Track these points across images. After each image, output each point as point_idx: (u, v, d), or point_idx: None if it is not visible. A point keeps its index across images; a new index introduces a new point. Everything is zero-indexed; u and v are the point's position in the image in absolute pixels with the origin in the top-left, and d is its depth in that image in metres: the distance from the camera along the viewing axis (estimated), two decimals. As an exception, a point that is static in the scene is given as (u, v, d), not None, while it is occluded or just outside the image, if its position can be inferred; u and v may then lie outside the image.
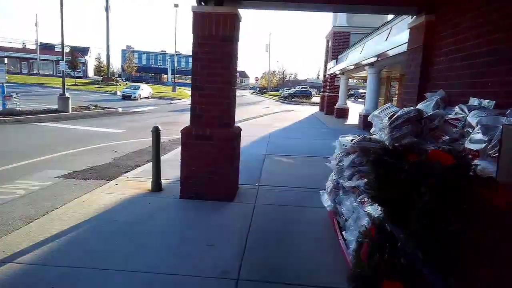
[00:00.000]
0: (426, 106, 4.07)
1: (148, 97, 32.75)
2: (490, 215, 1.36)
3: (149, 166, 7.08)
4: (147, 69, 77.81)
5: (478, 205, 1.39)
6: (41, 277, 2.94)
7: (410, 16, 5.34)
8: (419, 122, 3.58)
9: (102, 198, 4.98)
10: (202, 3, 4.89)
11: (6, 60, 48.65)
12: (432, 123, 3.57)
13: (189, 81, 75.82)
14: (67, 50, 60.87)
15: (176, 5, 42.62)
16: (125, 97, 29.51)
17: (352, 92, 55.78)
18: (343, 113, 20.75)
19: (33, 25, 63.58)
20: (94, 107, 19.66)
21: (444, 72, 4.14)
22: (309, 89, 52.48)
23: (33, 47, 63.24)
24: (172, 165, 7.03)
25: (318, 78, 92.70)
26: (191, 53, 5.10)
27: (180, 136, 5.11)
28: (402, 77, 19.34)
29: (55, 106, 17.30)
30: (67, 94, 17.33)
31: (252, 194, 5.49)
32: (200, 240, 3.78)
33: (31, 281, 2.90)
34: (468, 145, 2.73)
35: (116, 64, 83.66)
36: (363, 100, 47.78)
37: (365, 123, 14.33)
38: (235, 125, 5.47)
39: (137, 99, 29.73)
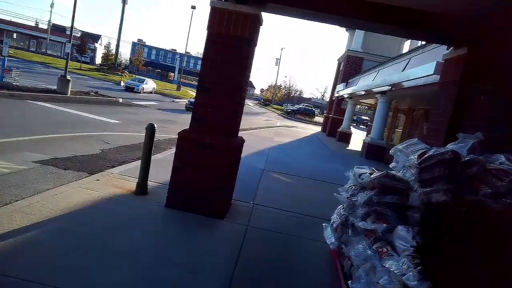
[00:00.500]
0: (459, 148, 3.56)
1: (151, 92, 32.27)
2: None
3: (138, 163, 6.51)
4: (155, 64, 77.56)
5: None
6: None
7: (446, 47, 4.89)
8: (455, 166, 3.08)
9: (78, 194, 4.40)
10: (224, -2, 4.42)
11: (15, 35, 48.27)
12: (469, 169, 3.06)
13: (195, 82, 75.75)
14: (77, 34, 60.64)
15: (193, 7, 42.50)
16: (128, 89, 29.00)
17: (355, 118, 55.61)
18: (345, 137, 20.31)
19: (49, 6, 63.32)
20: (94, 94, 19.11)
21: (484, 112, 3.66)
22: (313, 108, 52.24)
23: (45, 27, 62.88)
24: (163, 167, 6.48)
25: (322, 99, 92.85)
26: (200, 55, 4.66)
27: (176, 137, 4.58)
28: (411, 111, 19.02)
29: (54, 87, 16.75)
30: (68, 77, 16.78)
31: (245, 213, 4.93)
32: (181, 264, 3.21)
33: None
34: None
35: (125, 56, 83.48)
36: (364, 127, 47.56)
37: (369, 152, 13.89)
38: (238, 135, 4.95)
39: (140, 92, 29.23)
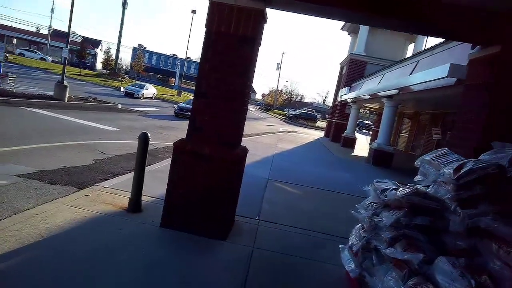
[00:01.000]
0: (497, 160, 3.07)
1: (151, 98, 31.89)
2: None
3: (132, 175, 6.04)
4: (155, 70, 77.36)
5: None
6: None
7: (471, 46, 4.42)
8: (500, 182, 2.59)
9: (62, 214, 3.92)
10: (224, -9, 3.97)
11: (15, 41, 48.07)
12: (516, 186, 2.58)
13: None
14: (78, 40, 60.51)
15: (194, 11, 42.28)
16: (128, 94, 28.60)
17: (358, 122, 55.12)
18: (350, 143, 19.81)
19: (49, 11, 63.32)
20: (92, 100, 18.69)
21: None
22: (315, 113, 51.79)
23: (46, 33, 62.83)
24: (160, 179, 6.01)
25: (324, 103, 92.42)
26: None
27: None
28: (417, 115, 18.56)
29: (52, 93, 16.33)
30: (65, 83, 16.37)
31: (250, 232, 4.44)
32: (175, 301, 2.72)
33: None
34: None
35: (125, 61, 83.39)
36: (367, 131, 46.96)
37: (376, 158, 13.38)
38: (241, 145, 4.47)
39: (140, 98, 28.84)
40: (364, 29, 22.19)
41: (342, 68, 26.43)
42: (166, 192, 4.08)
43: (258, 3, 3.92)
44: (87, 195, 4.68)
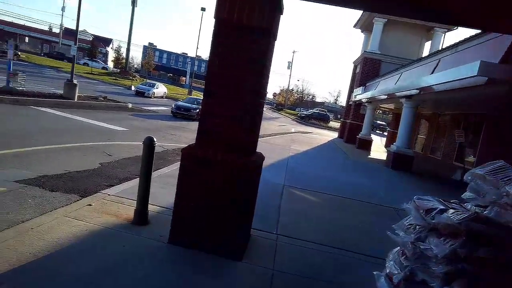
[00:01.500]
0: None
1: (162, 97, 31.67)
2: None
3: (140, 181, 5.66)
4: (166, 68, 77.45)
5: None
6: None
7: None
8: None
9: (60, 227, 3.53)
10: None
11: (27, 39, 48.47)
12: None
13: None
14: (89, 38, 60.85)
15: (203, 9, 41.97)
16: (139, 93, 28.42)
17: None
18: (366, 145, 19.18)
19: (60, 10, 63.76)
20: (102, 99, 18.49)
21: None
22: (327, 113, 51.05)
23: (58, 31, 63.39)
24: (170, 185, 5.60)
25: (335, 103, 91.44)
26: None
27: (186, 145, 3.71)
28: (436, 117, 17.83)
29: (61, 92, 16.15)
30: (75, 81, 16.16)
31: (268, 250, 3.99)
32: None
33: None
34: None
35: (136, 60, 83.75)
36: (380, 132, 45.92)
37: (395, 162, 12.77)
38: (256, 151, 4.02)
39: (150, 97, 28.63)
40: (378, 27, 21.50)
41: (355, 67, 25.77)
42: (174, 204, 3.65)
43: (276, -10, 3.46)
44: (90, 204, 4.29)
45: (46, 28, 68.28)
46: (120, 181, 5.65)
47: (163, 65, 76.57)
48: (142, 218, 4.02)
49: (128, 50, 44.00)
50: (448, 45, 11.22)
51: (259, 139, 13.92)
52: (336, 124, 45.82)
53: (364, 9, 4.44)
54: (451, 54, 10.25)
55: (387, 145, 25.44)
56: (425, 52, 22.96)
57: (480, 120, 13.28)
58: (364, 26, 24.29)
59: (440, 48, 22.05)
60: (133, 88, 31.41)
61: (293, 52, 72.26)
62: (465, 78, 7.60)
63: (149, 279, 2.95)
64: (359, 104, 21.97)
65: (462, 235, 2.30)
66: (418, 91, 11.10)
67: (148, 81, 36.46)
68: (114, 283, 2.78)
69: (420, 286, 2.54)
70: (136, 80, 39.84)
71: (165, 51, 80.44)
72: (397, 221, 6.24)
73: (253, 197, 3.82)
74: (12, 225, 3.46)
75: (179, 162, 7.86)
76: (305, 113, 48.04)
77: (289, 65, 58.83)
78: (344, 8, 4.51)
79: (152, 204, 4.35)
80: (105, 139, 9.07)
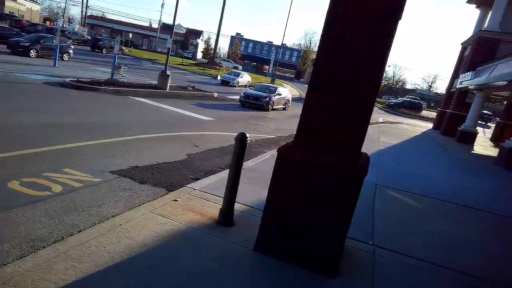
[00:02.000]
0: None
1: (246, 86, 32.14)
2: None
3: (225, 175, 5.46)
4: (251, 57, 78.93)
5: None
6: None
7: None
8: None
9: (147, 224, 3.42)
10: None
11: (130, 35, 53.77)
12: None
13: (289, 75, 74.85)
14: (183, 31, 64.95)
15: (291, -5, 41.13)
16: (224, 83, 29.29)
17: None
18: (468, 138, 16.63)
19: (160, 7, 69.24)
20: (191, 89, 19.33)
21: None
22: (420, 101, 46.43)
23: (157, 26, 69.07)
24: (255, 180, 5.32)
25: (429, 90, 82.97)
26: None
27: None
28: None
29: (156, 82, 17.29)
30: (168, 72, 17.10)
31: (365, 265, 3.38)
32: None
33: None
34: None
35: (223, 50, 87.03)
36: (483, 123, 39.70)
37: (510, 161, 10.69)
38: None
39: (235, 86, 29.27)
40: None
41: (463, 49, 22.48)
42: (264, 209, 3.26)
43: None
44: (176, 200, 4.17)
45: (147, 24, 75.12)
46: (205, 174, 5.54)
47: (248, 54, 78.17)
48: (227, 219, 3.74)
49: (216, 41, 45.71)
50: None
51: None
52: (430, 114, 41.35)
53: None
54: None
55: (494, 139, 21.88)
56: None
57: None
58: (482, 0, 20.75)
59: None
60: (219, 77, 32.51)
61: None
62: None
63: (233, 295, 2.61)
64: (464, 91, 19.12)
65: None
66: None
67: (233, 70, 37.37)
68: (196, 298, 2.50)
69: None
70: (222, 69, 41.22)
71: (251, 40, 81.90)
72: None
73: (355, 204, 3.22)
74: (103, 220, 3.47)
75: (264, 154, 7.40)
76: (394, 101, 44.38)
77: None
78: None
79: (237, 202, 4.05)
80: (191, 128, 9.25)
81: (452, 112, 19.82)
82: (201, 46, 73.56)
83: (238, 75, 31.43)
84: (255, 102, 17.33)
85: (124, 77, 16.43)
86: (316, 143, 3.05)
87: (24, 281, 2.33)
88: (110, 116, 8.97)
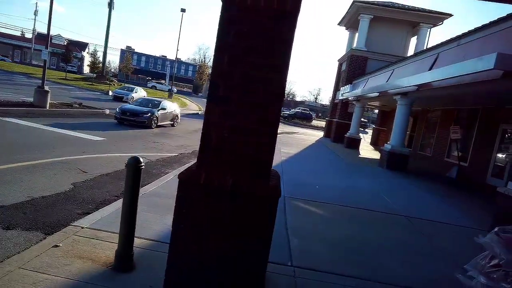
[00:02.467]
0: None
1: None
2: None
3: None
4: (145, 72, 75.44)
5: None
6: None
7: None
8: None
9: (12, 286, 2.59)
10: None
11: (-4, 45, 46.02)
12: None
13: (186, 89, 73.77)
14: (64, 43, 58.49)
15: (183, 10, 40.74)
16: (117, 98, 27.08)
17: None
18: (354, 144, 18.64)
19: (33, 14, 61.03)
20: (78, 106, 17.20)
21: None
22: (310, 112, 50.72)
23: (31, 36, 60.61)
24: (157, 206, 4.74)
25: (315, 101, 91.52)
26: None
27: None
28: (425, 113, 17.44)
29: (32, 99, 14.86)
30: (46, 87, 14.88)
31: (288, 292, 3.16)
32: None
33: None
34: None
35: (114, 64, 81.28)
36: (361, 129, 45.51)
37: (390, 162, 12.20)
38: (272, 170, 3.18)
39: (129, 102, 27.28)
40: (364, 23, 21.10)
41: (340, 65, 25.32)
42: (169, 246, 2.76)
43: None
44: (57, 245, 3.35)
45: (18, 33, 65.36)
46: (96, 206, 4.70)
47: (141, 69, 74.56)
48: (125, 262, 3.11)
49: (105, 54, 42.30)
50: (439, 40, 10.72)
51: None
52: (319, 123, 45.39)
53: None
54: (452, 48, 9.71)
55: (372, 143, 25.11)
56: (411, 48, 22.73)
57: (473, 114, 12.91)
58: (350, 23, 23.87)
59: (425, 43, 21.93)
60: (110, 93, 29.99)
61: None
62: (476, 72, 7.01)
63: None
64: (346, 102, 21.46)
65: None
66: (416, 87, 10.54)
67: (126, 85, 34.98)
68: None
69: None
70: (114, 84, 38.28)
71: (144, 54, 78.44)
72: (416, 234, 5.49)
73: (272, 230, 2.97)
74: None
75: (165, 175, 6.76)
76: (287, 113, 47.53)
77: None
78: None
79: (137, 237, 3.45)
80: (79, 151, 8.02)
81: (338, 121, 22.00)
82: (87, 59, 67.28)
83: (132, 90, 29.50)
84: (134, 119, 14.45)
85: (-13, 94, 13.69)
86: (220, 163, 2.72)
87: None
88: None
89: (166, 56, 78.61)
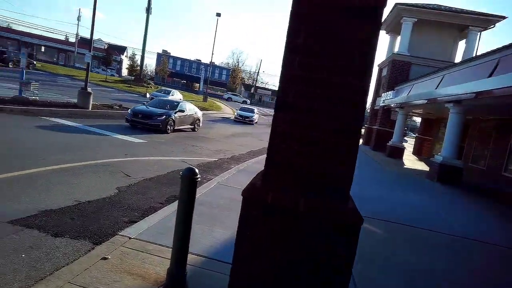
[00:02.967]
0: None
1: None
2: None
3: (167, 212, 4.50)
4: (180, 75, 77.07)
5: None
6: None
7: None
8: None
9: (63, 308, 2.36)
10: None
11: (43, 49, 48.74)
12: None
13: (220, 93, 74.62)
14: (104, 47, 61.07)
15: (218, 14, 41.17)
16: (154, 101, 27.59)
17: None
18: (397, 153, 17.68)
19: (76, 20, 64.16)
20: (118, 107, 17.58)
21: None
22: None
23: (74, 40, 63.80)
24: (205, 216, 4.48)
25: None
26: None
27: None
28: (477, 122, 16.25)
29: (76, 100, 15.31)
30: (89, 89, 15.27)
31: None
32: None
33: None
34: None
35: (150, 67, 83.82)
36: (405, 138, 43.61)
37: (442, 175, 11.30)
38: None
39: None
40: (407, 27, 20.12)
41: (381, 70, 24.39)
42: (231, 272, 2.43)
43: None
44: (106, 257, 3.13)
45: (62, 37, 69.08)
46: (142, 214, 4.49)
47: (177, 72, 76.27)
48: (178, 283, 2.82)
49: (142, 57, 43.51)
50: (490, 45, 9.82)
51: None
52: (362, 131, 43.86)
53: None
54: (515, 52, 8.86)
55: (416, 152, 23.86)
56: (459, 53, 21.46)
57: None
58: (391, 27, 22.91)
59: (475, 48, 20.61)
60: (148, 95, 30.66)
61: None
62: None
63: None
64: (387, 109, 20.52)
65: None
66: (474, 95, 9.70)
67: (163, 88, 35.75)
68: None
69: None
70: (151, 87, 39.26)
71: (179, 58, 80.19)
72: (496, 263, 4.67)
73: (352, 259, 2.56)
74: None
75: (210, 181, 6.40)
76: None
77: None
78: None
79: (190, 252, 3.15)
80: (121, 154, 7.99)
81: (378, 128, 21.07)
82: (125, 62, 69.83)
83: (169, 92, 30.01)
84: (147, 122, 12.49)
85: (35, 95, 14.21)
86: (289, 181, 2.36)
87: None
88: (15, 142, 7.28)
89: (200, 60, 79.97)
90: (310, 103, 2.34)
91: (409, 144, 28.86)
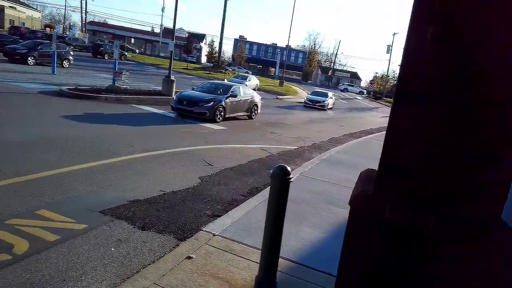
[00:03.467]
0: None
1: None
2: None
3: (251, 206, 4.25)
4: (255, 60, 77.77)
5: None
6: None
7: None
8: None
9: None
10: None
11: (132, 40, 53.02)
12: None
13: (295, 76, 73.63)
14: (185, 35, 64.10)
15: (296, -5, 39.97)
16: (231, 87, 28.13)
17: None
18: None
19: (160, 11, 68.51)
20: (198, 94, 18.17)
21: None
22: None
23: (159, 31, 68.36)
24: (291, 212, 4.11)
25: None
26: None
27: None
28: None
29: (160, 88, 16.19)
30: (172, 77, 15.97)
31: None
32: None
33: None
34: None
35: (227, 54, 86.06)
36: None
37: None
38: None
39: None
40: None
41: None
42: (336, 282, 2.02)
43: None
44: (190, 257, 2.96)
45: (149, 29, 74.50)
46: (225, 207, 4.32)
47: (253, 57, 77.07)
48: (267, 294, 2.52)
49: (220, 44, 44.63)
50: None
51: (368, 135, 11.37)
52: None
53: None
54: None
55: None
56: None
57: None
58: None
59: None
60: (226, 81, 31.39)
61: (394, 34, 65.04)
62: None
63: None
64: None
65: None
66: None
67: (240, 73, 36.29)
68: None
69: None
70: (229, 73, 40.17)
71: (255, 43, 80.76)
72: None
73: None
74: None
75: (292, 173, 5.84)
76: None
77: (389, 49, 53.13)
78: None
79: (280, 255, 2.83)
80: (202, 141, 8.05)
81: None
82: (204, 49, 72.63)
83: (246, 78, 30.32)
84: (192, 109, 10.96)
85: (126, 84, 15.33)
86: (415, 190, 1.81)
87: None
88: (108, 129, 7.79)
89: (276, 44, 79.42)
90: (447, 94, 1.76)
91: None
